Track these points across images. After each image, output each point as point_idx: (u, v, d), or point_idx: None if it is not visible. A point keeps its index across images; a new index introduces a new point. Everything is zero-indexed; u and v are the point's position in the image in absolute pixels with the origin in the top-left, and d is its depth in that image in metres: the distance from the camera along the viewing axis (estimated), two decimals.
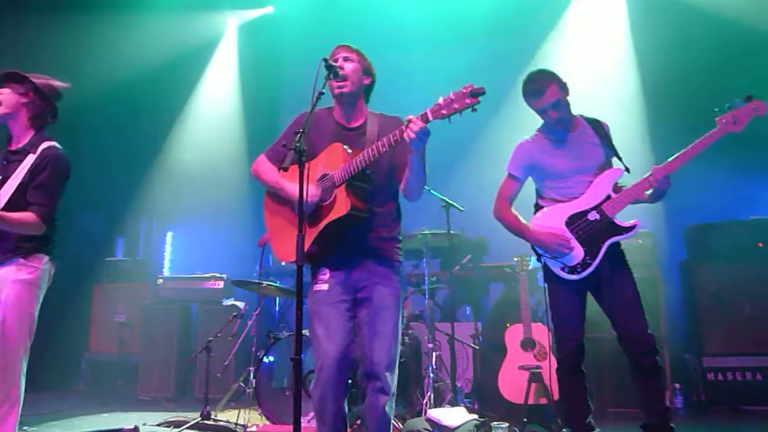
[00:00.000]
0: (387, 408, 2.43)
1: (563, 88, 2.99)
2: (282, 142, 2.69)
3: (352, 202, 2.40)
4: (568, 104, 3.01)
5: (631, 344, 2.93)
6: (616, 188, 2.98)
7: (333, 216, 2.44)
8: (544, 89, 2.94)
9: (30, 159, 2.85)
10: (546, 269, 3.06)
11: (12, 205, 2.78)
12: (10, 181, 2.81)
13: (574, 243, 2.95)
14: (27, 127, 2.95)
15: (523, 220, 3.11)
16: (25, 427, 3.93)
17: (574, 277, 2.96)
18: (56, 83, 3.02)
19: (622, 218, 2.96)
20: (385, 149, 2.35)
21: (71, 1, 6.21)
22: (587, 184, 2.99)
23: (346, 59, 2.61)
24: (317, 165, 2.56)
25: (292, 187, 2.52)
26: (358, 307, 2.53)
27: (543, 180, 3.12)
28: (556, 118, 2.98)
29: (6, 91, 2.90)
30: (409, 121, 2.26)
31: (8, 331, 2.71)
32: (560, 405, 3.87)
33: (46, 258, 2.89)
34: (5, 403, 2.68)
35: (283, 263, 6.01)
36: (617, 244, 2.98)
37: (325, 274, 2.56)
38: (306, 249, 2.45)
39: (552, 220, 3.02)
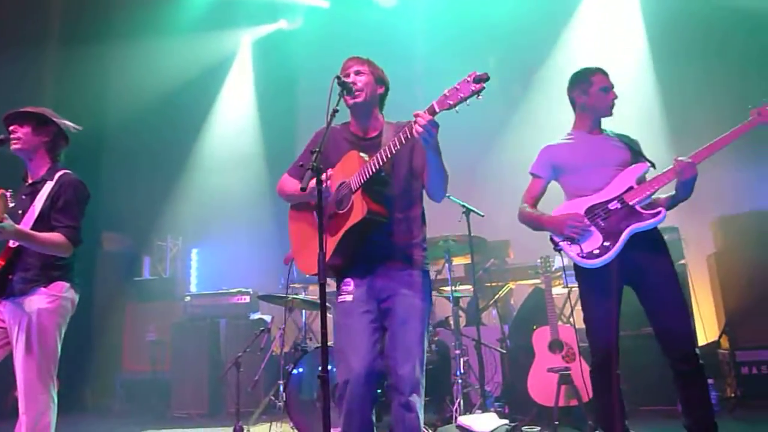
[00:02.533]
0: (414, 421, 2.40)
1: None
2: (301, 160, 2.70)
3: (368, 206, 2.39)
4: None
5: (667, 347, 2.81)
6: (640, 182, 2.92)
7: (351, 222, 2.43)
8: (607, 72, 3.09)
9: (48, 186, 2.92)
10: (574, 265, 2.97)
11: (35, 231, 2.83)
12: (30, 209, 2.87)
13: (593, 230, 2.89)
14: (45, 161, 3.02)
15: (537, 211, 3.08)
16: None
17: (593, 262, 2.86)
18: (69, 124, 3.08)
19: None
20: (396, 148, 2.35)
21: (89, 34, 6.39)
22: (608, 177, 2.94)
23: (357, 73, 2.61)
24: (335, 175, 2.56)
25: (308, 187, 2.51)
26: (384, 318, 2.51)
27: (563, 177, 3.11)
28: (612, 99, 3.05)
29: (25, 130, 2.95)
30: (417, 116, 2.25)
31: (32, 361, 2.75)
32: (592, 406, 3.86)
33: (67, 285, 2.92)
34: (36, 429, 2.70)
35: (307, 275, 6.08)
36: (651, 234, 2.86)
37: (349, 285, 2.55)
38: (328, 260, 2.44)
39: (570, 210, 2.98)
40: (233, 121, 7.94)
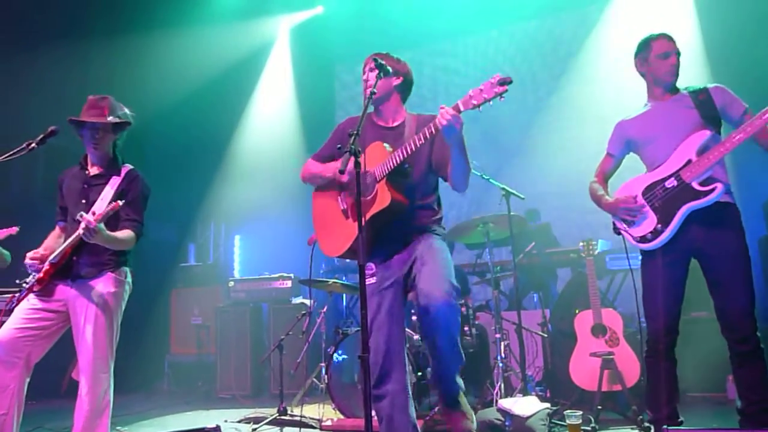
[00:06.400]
0: (449, 373, 2.53)
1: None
2: (327, 147, 2.85)
3: (392, 195, 2.52)
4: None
5: (725, 327, 2.73)
6: (702, 152, 2.74)
7: (375, 209, 2.55)
8: (669, 37, 2.92)
9: (115, 181, 3.06)
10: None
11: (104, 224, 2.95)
12: (99, 201, 3.00)
13: (647, 211, 2.82)
14: (110, 153, 3.16)
15: (601, 191, 3.04)
16: (117, 427, 4.17)
17: (646, 246, 2.83)
18: (129, 114, 3.20)
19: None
20: (422, 142, 2.45)
21: (130, 24, 6.54)
22: (675, 147, 2.81)
23: (371, 69, 2.70)
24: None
25: (332, 166, 2.69)
26: (411, 288, 2.63)
27: (638, 150, 3.02)
28: (674, 64, 2.88)
29: (108, 136, 3.10)
30: (443, 110, 2.35)
31: (99, 342, 2.89)
32: (636, 391, 3.79)
33: (129, 270, 3.11)
34: (99, 407, 2.87)
35: (336, 260, 6.20)
36: (713, 210, 2.71)
37: (371, 269, 2.69)
38: (351, 245, 2.63)
39: (629, 190, 2.92)
40: (273, 108, 8.02)
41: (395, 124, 2.76)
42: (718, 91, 2.83)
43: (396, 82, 2.74)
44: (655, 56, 2.91)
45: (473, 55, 6.87)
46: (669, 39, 2.92)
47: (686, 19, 5.96)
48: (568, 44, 6.35)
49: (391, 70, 2.64)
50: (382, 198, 2.52)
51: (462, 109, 2.31)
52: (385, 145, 2.60)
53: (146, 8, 6.66)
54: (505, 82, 2.22)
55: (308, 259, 6.94)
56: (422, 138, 2.44)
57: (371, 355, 2.50)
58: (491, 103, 2.25)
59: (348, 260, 2.81)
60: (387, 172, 2.53)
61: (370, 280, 2.66)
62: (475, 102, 2.27)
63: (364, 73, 2.76)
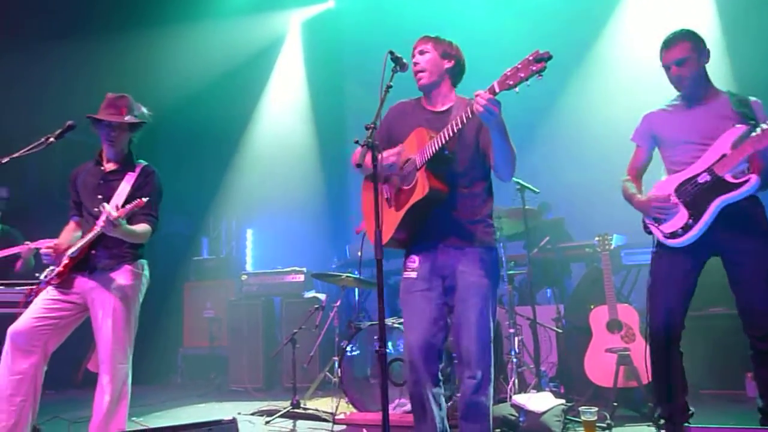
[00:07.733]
0: (479, 395, 2.48)
1: (698, 50, 2.79)
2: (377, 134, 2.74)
3: (431, 184, 2.43)
4: (700, 70, 2.81)
5: (747, 325, 2.69)
6: (736, 147, 2.67)
7: (414, 199, 2.47)
8: (675, 43, 2.81)
9: (130, 177, 3.11)
10: (656, 240, 2.90)
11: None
12: (115, 197, 3.05)
13: (680, 207, 2.77)
14: (125, 150, 3.20)
15: (633, 189, 2.99)
16: (133, 418, 4.19)
17: (676, 242, 2.76)
18: (146, 113, 3.23)
19: None
20: (458, 127, 2.35)
21: (143, 19, 6.56)
22: (703, 151, 2.75)
23: (421, 52, 2.64)
24: (405, 150, 2.60)
25: (383, 156, 2.55)
26: (447, 295, 2.55)
27: (660, 149, 2.98)
28: (675, 75, 2.81)
29: (125, 134, 3.14)
30: (477, 95, 2.25)
31: (118, 333, 2.95)
32: (652, 388, 3.75)
33: (146, 263, 3.15)
34: (118, 397, 2.92)
35: (347, 254, 6.20)
36: (739, 206, 2.66)
37: (414, 262, 2.60)
38: (393, 234, 2.55)
39: (662, 190, 2.86)
40: (284, 102, 8.02)
41: (443, 108, 2.65)
42: (758, 105, 2.79)
43: (447, 65, 2.64)
44: (663, 67, 2.87)
45: (488, 47, 6.80)
46: (670, 47, 2.82)
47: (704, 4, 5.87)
48: (589, 31, 6.26)
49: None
50: (422, 186, 2.44)
51: (497, 90, 2.19)
52: (429, 130, 2.52)
53: (159, 3, 6.67)
54: (542, 58, 2.06)
55: (320, 254, 6.99)
56: (459, 123, 2.34)
57: (405, 359, 2.51)
58: (528, 83, 2.11)
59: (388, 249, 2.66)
60: (427, 159, 2.44)
61: (410, 274, 2.58)
62: (510, 82, 2.14)
63: (413, 56, 2.65)
